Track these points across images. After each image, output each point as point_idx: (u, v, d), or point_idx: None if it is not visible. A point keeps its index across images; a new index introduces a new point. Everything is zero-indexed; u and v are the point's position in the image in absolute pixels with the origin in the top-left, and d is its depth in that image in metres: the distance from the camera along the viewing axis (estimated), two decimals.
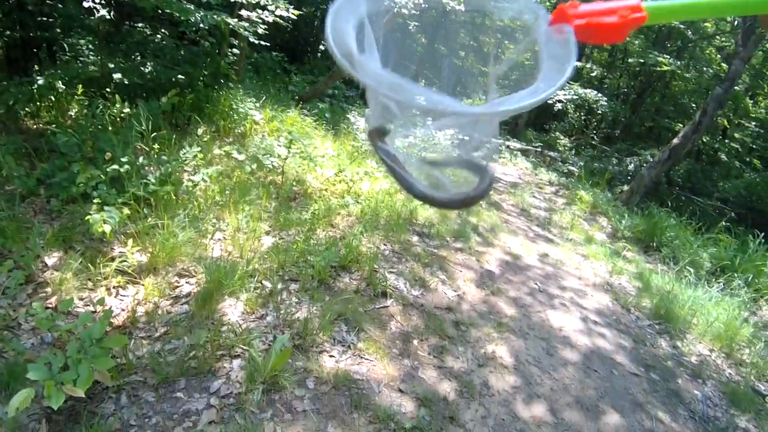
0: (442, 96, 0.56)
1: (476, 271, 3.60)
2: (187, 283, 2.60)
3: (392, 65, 0.64)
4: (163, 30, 5.56)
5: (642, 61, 11.50)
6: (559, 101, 12.30)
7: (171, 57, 5.05)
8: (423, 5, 5.42)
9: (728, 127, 12.05)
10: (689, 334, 3.56)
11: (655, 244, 5.63)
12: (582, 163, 10.25)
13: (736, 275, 4.72)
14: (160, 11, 4.56)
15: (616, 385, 2.75)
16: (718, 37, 13.83)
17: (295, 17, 5.23)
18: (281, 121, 5.61)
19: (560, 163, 10.45)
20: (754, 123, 12.02)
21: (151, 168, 3.26)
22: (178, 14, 4.15)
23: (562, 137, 13.49)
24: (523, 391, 2.46)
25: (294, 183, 4.05)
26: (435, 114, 0.54)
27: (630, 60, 14.04)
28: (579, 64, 16.59)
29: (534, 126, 16.02)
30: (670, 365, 3.11)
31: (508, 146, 10.38)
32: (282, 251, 2.96)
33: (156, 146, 3.42)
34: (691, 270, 4.66)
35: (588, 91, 12.16)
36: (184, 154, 3.52)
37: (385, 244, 3.52)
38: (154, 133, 3.44)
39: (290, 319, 2.47)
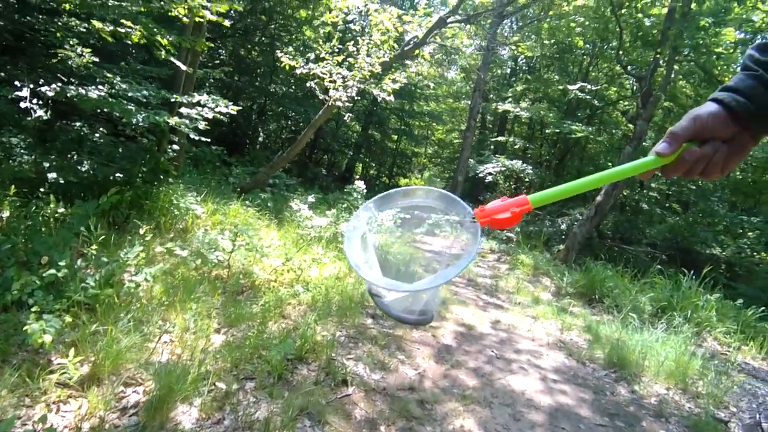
0: (400, 283, 0.90)
1: (433, 346, 3.60)
2: (134, 392, 2.42)
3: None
4: (101, 128, 5.57)
5: (558, 130, 12.63)
6: (489, 174, 13.15)
7: (108, 154, 5.03)
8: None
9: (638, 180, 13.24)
10: (644, 376, 3.67)
11: (597, 296, 5.91)
12: (518, 229, 10.77)
13: (675, 314, 5.01)
14: (98, 110, 4.60)
15: None
16: (621, 102, 15.61)
17: (234, 112, 5.40)
18: (224, 214, 5.60)
19: (498, 230, 10.91)
20: None
21: (91, 270, 3.12)
22: (119, 114, 4.19)
23: None
24: None
25: (241, 276, 3.99)
26: (396, 291, 0.92)
27: (547, 131, 15.43)
28: (502, 138, 18.00)
29: (470, 198, 16.84)
30: (632, 410, 3.17)
31: (447, 219, 10.76)
32: (234, 348, 2.85)
33: (94, 247, 3.30)
34: (634, 315, 4.90)
35: (514, 162, 13.11)
36: (125, 254, 3.41)
37: (340, 330, 3.47)
38: (93, 234, 3.33)
39: (249, 420, 2.34)
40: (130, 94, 4.70)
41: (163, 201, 4.87)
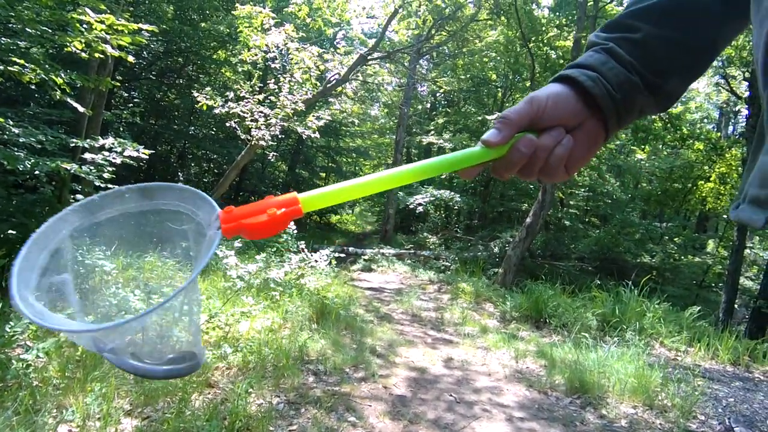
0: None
1: (386, 400, 3.22)
2: None
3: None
4: None
5: None
6: (420, 204, 13.21)
7: (1, 209, 4.37)
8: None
9: (563, 197, 13.89)
10: (609, 397, 3.51)
11: (543, 318, 5.83)
12: (454, 256, 10.75)
13: (624, 326, 5.01)
14: None
15: None
16: None
17: (146, 156, 4.94)
18: (138, 269, 4.96)
19: (434, 260, 10.85)
20: (582, 189, 14.05)
21: None
22: (4, 162, 3.66)
23: (429, 236, 14.28)
24: None
25: (158, 340, 3.41)
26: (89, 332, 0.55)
27: None
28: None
29: (402, 230, 16.81)
30: None
31: (383, 253, 10.55)
32: None
33: None
34: (586, 335, 4.83)
35: (442, 191, 13.29)
36: (12, 327, 2.78)
37: (277, 396, 3.00)
38: None
39: None
40: (21, 140, 4.16)
41: None
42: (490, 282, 8.28)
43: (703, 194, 13.53)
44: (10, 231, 4.12)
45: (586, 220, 15.17)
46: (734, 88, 12.76)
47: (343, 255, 9.08)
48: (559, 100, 0.55)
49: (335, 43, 18.77)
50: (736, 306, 8.93)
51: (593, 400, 3.47)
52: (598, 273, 10.60)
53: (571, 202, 14.48)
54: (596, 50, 0.58)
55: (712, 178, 12.83)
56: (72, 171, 4.31)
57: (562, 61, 11.33)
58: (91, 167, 4.58)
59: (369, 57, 10.65)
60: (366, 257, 9.85)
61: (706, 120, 21.01)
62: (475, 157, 0.56)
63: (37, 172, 4.04)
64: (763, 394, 4.13)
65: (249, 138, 8.43)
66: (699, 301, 9.64)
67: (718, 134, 16.97)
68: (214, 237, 0.55)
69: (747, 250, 10.25)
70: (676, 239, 12.70)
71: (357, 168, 22.54)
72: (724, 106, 19.89)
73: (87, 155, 4.72)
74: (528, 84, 12.80)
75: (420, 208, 13.26)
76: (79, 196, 5.34)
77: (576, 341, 4.73)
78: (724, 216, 13.17)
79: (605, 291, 6.30)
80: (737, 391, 4.10)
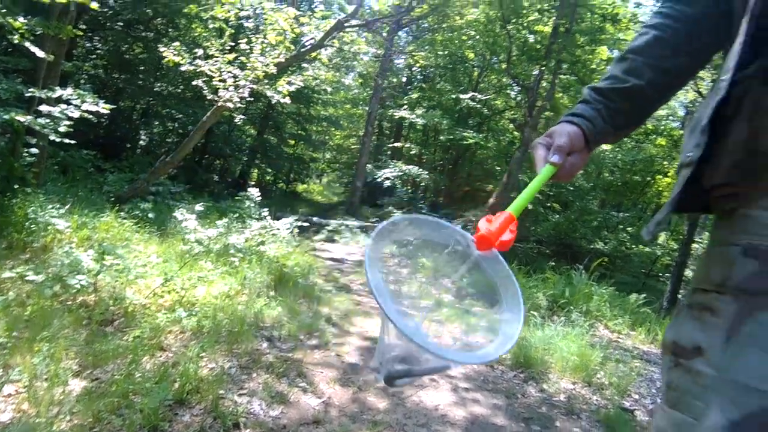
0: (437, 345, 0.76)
1: (338, 368, 3.30)
2: None
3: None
4: None
5: (451, 137, 13.02)
6: (387, 178, 13.24)
7: None
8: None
9: (528, 182, 14.18)
10: (551, 373, 3.72)
11: (497, 296, 6.03)
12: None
13: (571, 307, 5.26)
14: None
15: None
16: (507, 111, 16.61)
17: (107, 111, 4.73)
18: (93, 228, 4.82)
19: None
20: None
21: None
22: None
23: (395, 210, 14.37)
24: None
25: (111, 302, 3.37)
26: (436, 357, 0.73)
27: (441, 137, 15.95)
28: (399, 144, 18.29)
29: (368, 203, 16.83)
30: (544, 411, 3.15)
31: (347, 225, 10.59)
32: (98, 397, 2.31)
33: None
34: (535, 313, 5.04)
35: (410, 167, 13.35)
36: None
37: (230, 360, 3.03)
38: None
39: None
40: None
41: (17, 214, 4.07)
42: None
43: (660, 188, 14.09)
44: None
45: (548, 205, 15.58)
46: (700, 89, 13.18)
47: (306, 224, 9.07)
48: (575, 137, 0.92)
49: (313, 6, 18.22)
50: (679, 296, 9.46)
51: (536, 375, 3.66)
52: (555, 256, 11.00)
53: None
54: (591, 107, 0.95)
55: (669, 174, 13.35)
56: (27, 123, 4.11)
57: (539, 46, 11.39)
58: (48, 120, 4.38)
59: (346, 24, 10.40)
60: (330, 228, 9.86)
61: (671, 117, 21.71)
62: (550, 173, 0.90)
63: None
64: None
65: (216, 99, 8.18)
66: (645, 288, 10.16)
67: (681, 131, 17.57)
68: (495, 256, 0.85)
69: (695, 245, 10.79)
70: (629, 229, 13.24)
71: (327, 137, 22.22)
72: (690, 105, 20.56)
73: (43, 107, 4.49)
74: (504, 66, 12.82)
75: (387, 182, 13.31)
76: (33, 150, 5.09)
77: (525, 319, 4.93)
78: None
79: (558, 273, 6.56)
80: None
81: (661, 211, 0.82)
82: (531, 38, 11.57)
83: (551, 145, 0.92)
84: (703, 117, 0.77)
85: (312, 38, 9.78)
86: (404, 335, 0.71)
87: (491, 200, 9.25)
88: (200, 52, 8.02)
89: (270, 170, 19.50)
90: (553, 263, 7.32)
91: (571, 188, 14.46)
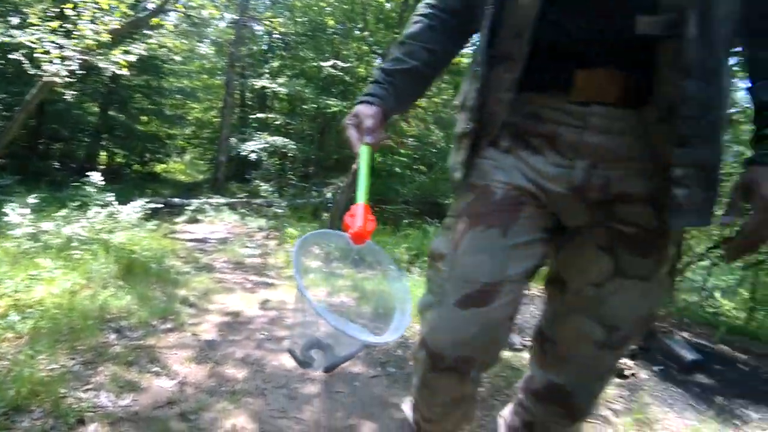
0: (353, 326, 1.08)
1: (193, 347, 3.21)
2: None
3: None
4: None
5: (315, 105, 12.94)
6: (253, 152, 12.80)
7: None
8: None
9: (393, 146, 14.72)
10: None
11: (362, 257, 6.33)
12: (286, 203, 10.79)
13: (425, 259, 5.74)
14: None
15: (362, 395, 2.83)
16: (370, 78, 16.81)
17: None
18: None
19: (267, 207, 10.76)
20: (411, 139, 15.02)
21: None
22: None
23: (263, 183, 14.00)
24: None
25: None
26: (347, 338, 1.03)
27: (305, 106, 15.74)
28: (263, 115, 17.68)
29: (235, 178, 16.19)
30: (400, 353, 3.42)
31: (210, 203, 10.13)
32: None
33: None
34: (393, 267, 5.39)
35: (276, 138, 13.05)
36: None
37: (72, 358, 2.80)
38: None
39: None
40: None
41: None
42: (319, 227, 8.59)
43: None
44: None
45: (415, 167, 16.37)
46: None
47: (162, 206, 8.48)
48: (378, 116, 1.08)
49: None
50: None
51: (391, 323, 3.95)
52: (422, 214, 11.72)
53: (402, 151, 15.43)
54: (382, 87, 1.13)
55: None
56: None
57: (394, 14, 11.65)
58: None
59: None
60: (192, 208, 9.35)
61: None
62: (369, 154, 1.04)
63: None
64: (534, 306, 5.11)
65: (40, 74, 7.15)
66: None
67: None
68: (379, 249, 1.20)
69: None
70: None
71: (184, 111, 20.61)
72: None
73: None
74: (365, 34, 12.95)
75: (254, 156, 12.89)
76: None
77: (385, 274, 5.26)
78: None
79: (417, 229, 7.06)
80: None
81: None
82: (387, 5, 11.78)
83: (359, 125, 1.07)
84: (470, 99, 1.09)
85: (152, 2, 8.95)
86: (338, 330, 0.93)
87: (354, 165, 9.47)
88: (15, 20, 6.91)
89: (120, 151, 17.63)
90: (411, 220, 7.83)
91: (434, 150, 15.36)
